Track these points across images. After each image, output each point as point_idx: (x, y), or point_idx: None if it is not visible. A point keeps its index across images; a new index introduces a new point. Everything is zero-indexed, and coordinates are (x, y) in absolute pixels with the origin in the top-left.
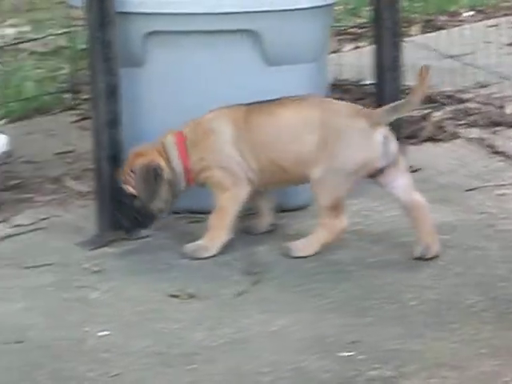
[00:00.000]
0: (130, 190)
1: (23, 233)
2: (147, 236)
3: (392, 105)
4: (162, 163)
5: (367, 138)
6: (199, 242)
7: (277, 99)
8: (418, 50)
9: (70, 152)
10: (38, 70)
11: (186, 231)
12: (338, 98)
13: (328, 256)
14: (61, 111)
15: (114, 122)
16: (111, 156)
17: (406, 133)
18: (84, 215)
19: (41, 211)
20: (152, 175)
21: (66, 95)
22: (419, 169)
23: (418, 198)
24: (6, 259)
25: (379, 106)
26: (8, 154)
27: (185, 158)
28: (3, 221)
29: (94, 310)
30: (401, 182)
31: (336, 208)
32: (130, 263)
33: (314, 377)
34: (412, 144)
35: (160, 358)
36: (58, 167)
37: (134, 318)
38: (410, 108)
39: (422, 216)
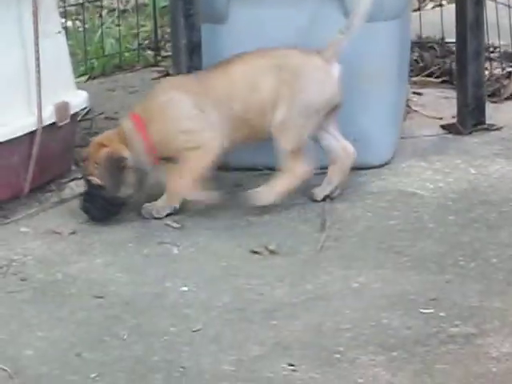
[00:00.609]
0: (97, 180)
1: None
2: (228, 192)
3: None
4: (125, 151)
5: (325, 74)
6: (156, 202)
7: (224, 60)
8: (499, 8)
9: None
10: (119, 28)
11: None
12: (419, 56)
13: (409, 213)
14: (142, 68)
15: None
16: None
17: (488, 91)
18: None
19: None
20: (115, 165)
21: (147, 52)
22: (501, 127)
23: (347, 143)
24: (83, 215)
25: (461, 65)
26: (88, 111)
27: (146, 137)
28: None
29: (176, 266)
30: (336, 126)
31: (299, 151)
32: (210, 219)
33: (395, 333)
34: (494, 102)
35: (241, 313)
36: None
37: (216, 274)
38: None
39: (347, 161)
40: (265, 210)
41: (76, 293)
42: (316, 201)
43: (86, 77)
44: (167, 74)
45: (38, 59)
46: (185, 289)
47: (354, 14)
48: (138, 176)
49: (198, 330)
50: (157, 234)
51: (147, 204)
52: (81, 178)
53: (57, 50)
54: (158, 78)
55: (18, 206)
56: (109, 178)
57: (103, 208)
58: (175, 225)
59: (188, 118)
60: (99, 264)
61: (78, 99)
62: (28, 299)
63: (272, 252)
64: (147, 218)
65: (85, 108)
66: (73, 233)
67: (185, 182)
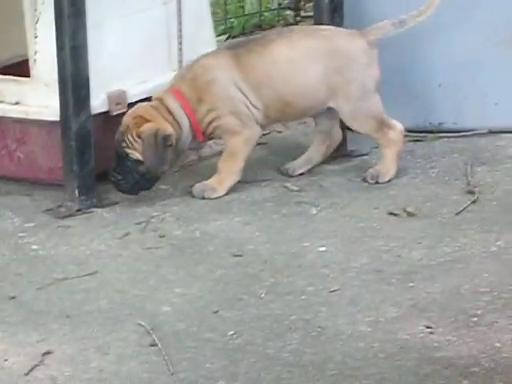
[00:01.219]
0: (136, 155)
1: None
2: (365, 154)
3: (383, 23)
4: (171, 129)
5: (370, 57)
6: (207, 182)
7: (258, 37)
8: None
9: None
10: None
11: (406, 149)
12: None
13: None
14: (281, 28)
15: None
16: None
17: None
18: (303, 132)
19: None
20: (162, 144)
21: (288, 12)
22: None
23: (339, 129)
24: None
25: None
26: None
27: (192, 115)
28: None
29: (314, 226)
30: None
31: (382, 123)
32: (349, 181)
33: None
34: None
35: (378, 275)
36: None
37: (354, 235)
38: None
39: (332, 146)
40: (402, 172)
41: (214, 251)
42: (290, 176)
43: (226, 36)
44: None
45: (179, 16)
46: (322, 249)
47: (411, 16)
48: (176, 153)
49: (336, 291)
50: (295, 193)
51: (198, 184)
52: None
53: (198, 8)
54: None
55: None
56: (152, 155)
57: (137, 183)
58: (294, 187)
59: (235, 99)
60: (237, 222)
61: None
62: (166, 256)
63: (410, 214)
64: (197, 197)
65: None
66: None
67: (231, 170)
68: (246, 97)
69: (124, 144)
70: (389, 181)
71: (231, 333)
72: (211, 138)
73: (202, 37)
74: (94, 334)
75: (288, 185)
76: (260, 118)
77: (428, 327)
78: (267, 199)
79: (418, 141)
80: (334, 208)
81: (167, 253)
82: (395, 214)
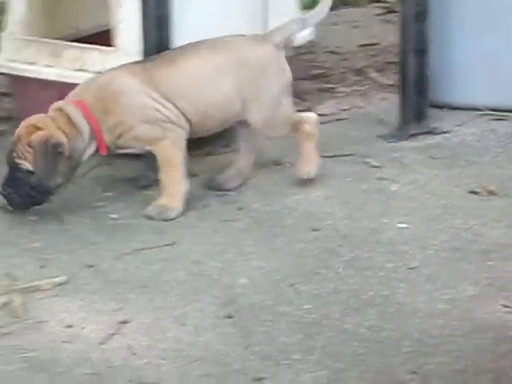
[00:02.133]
0: (27, 165)
1: (324, 122)
2: (447, 131)
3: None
4: (63, 138)
5: (280, 61)
6: (160, 203)
7: (166, 52)
8: None
9: (374, 44)
10: None
11: (488, 128)
12: None
13: None
14: (366, 4)
15: (421, 15)
16: (417, 49)
17: None
18: (385, 108)
19: (343, 102)
20: (52, 152)
21: None
22: None
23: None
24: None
25: None
26: (313, 44)
27: (96, 125)
28: (306, 110)
29: (394, 202)
30: None
31: (297, 123)
32: (430, 158)
33: None
34: None
35: (457, 253)
36: (361, 59)
37: (434, 213)
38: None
39: (256, 155)
40: (483, 150)
41: (292, 224)
42: (220, 190)
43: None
44: (391, 11)
45: None
46: (402, 226)
47: (312, 14)
48: (71, 166)
49: (414, 268)
50: (375, 169)
51: (151, 207)
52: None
53: None
54: (382, 14)
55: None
56: (42, 165)
57: (27, 195)
58: (375, 163)
59: (146, 107)
60: (317, 197)
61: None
62: (244, 228)
63: (491, 193)
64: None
65: (309, 41)
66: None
67: (175, 178)
68: (160, 103)
69: (15, 154)
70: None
71: (307, 307)
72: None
73: (287, 9)
74: (171, 304)
75: (369, 160)
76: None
77: (505, 306)
78: (347, 174)
79: (500, 119)
80: (415, 185)
81: (245, 225)
82: (476, 193)
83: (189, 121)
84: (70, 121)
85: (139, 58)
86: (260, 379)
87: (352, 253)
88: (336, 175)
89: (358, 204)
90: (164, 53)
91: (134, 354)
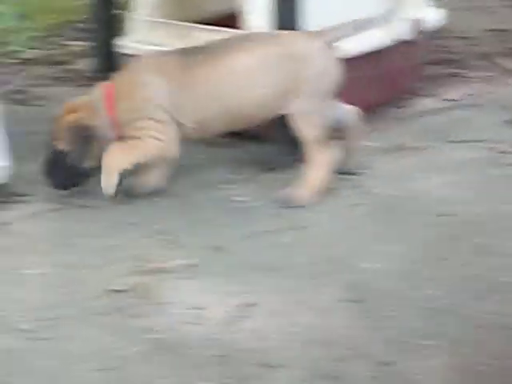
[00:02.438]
0: (61, 146)
1: (452, 108)
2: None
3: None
4: (93, 121)
5: (328, 59)
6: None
7: (213, 45)
8: None
9: (503, 30)
10: None
11: None
12: None
13: None
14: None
15: None
16: None
17: None
18: None
19: (471, 87)
20: (80, 134)
21: None
22: None
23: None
24: (435, 132)
25: None
26: (444, 29)
27: (112, 112)
28: (433, 95)
29: None
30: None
31: (324, 136)
32: None
33: None
34: None
35: None
36: (491, 44)
37: None
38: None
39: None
40: None
41: (419, 209)
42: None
43: None
44: None
45: None
46: None
47: (368, 21)
48: (103, 148)
49: None
50: (504, 155)
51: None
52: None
53: None
54: None
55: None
56: (74, 146)
57: (64, 176)
58: (502, 148)
59: (159, 107)
60: (443, 182)
61: (431, 16)
62: (370, 213)
63: None
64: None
65: (440, 26)
66: (422, 148)
67: (123, 157)
68: (178, 109)
69: (53, 135)
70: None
71: (433, 292)
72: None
73: None
74: (298, 287)
75: (496, 146)
76: (196, 130)
77: None
78: (475, 159)
79: None
80: None
81: (371, 210)
82: None
83: (209, 127)
84: (93, 104)
85: None
86: (388, 363)
87: (479, 238)
88: (462, 161)
89: (485, 189)
90: (213, 44)
91: (261, 336)
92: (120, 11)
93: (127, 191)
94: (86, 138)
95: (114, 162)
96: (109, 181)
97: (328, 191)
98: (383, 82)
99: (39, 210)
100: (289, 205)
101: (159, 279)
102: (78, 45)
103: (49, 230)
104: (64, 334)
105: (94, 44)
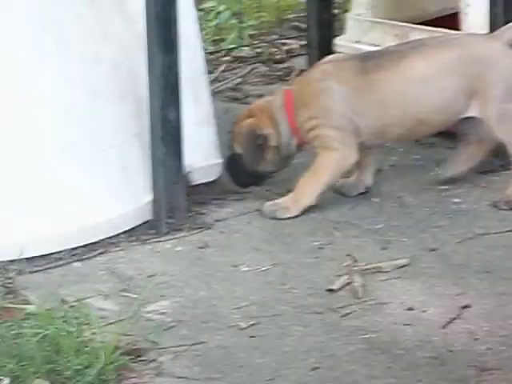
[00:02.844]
0: (238, 148)
1: None
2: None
3: None
4: (268, 129)
5: (509, 58)
6: (280, 201)
7: (391, 49)
8: None
9: None
10: None
11: None
12: None
13: None
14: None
15: None
16: None
17: None
18: None
19: None
20: (254, 142)
21: None
22: None
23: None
24: None
25: None
26: None
27: (292, 119)
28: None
29: None
30: None
31: None
32: None
33: None
34: None
35: None
36: None
37: None
38: None
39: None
40: None
41: None
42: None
43: None
44: None
45: None
46: None
47: None
48: (281, 154)
49: None
50: None
51: (269, 203)
52: None
53: None
54: None
55: None
56: (246, 151)
57: (242, 176)
58: None
59: (339, 114)
60: None
61: None
62: None
63: None
64: (267, 217)
65: None
66: None
67: (312, 188)
68: (359, 116)
69: (232, 136)
70: None
71: None
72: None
73: None
74: None
75: None
76: (374, 137)
77: None
78: None
79: None
80: None
81: None
82: None
83: (388, 134)
84: (272, 112)
85: None
86: None
87: None
88: None
89: None
90: (388, 49)
91: (476, 339)
92: (338, 10)
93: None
94: (258, 145)
95: (304, 199)
96: (301, 204)
97: None
98: None
99: (251, 207)
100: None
101: (373, 279)
102: (294, 43)
103: (262, 228)
104: (279, 332)
105: (310, 43)
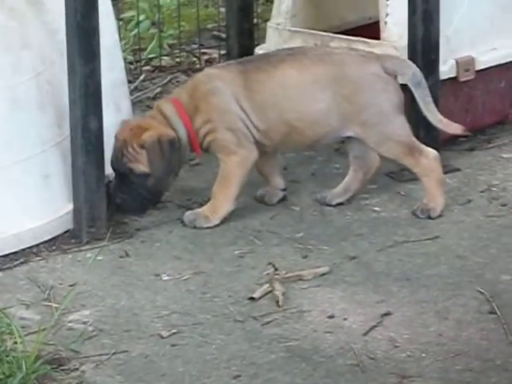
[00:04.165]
0: (141, 168)
1: None
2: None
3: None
4: (172, 132)
5: (386, 81)
6: (200, 211)
7: (271, 54)
8: None
9: None
10: None
11: None
12: None
13: None
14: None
15: None
16: None
17: None
18: None
19: None
20: (168, 149)
21: None
22: None
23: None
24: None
25: None
26: None
27: (189, 125)
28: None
29: None
30: None
31: (412, 147)
32: None
33: None
34: None
35: None
36: None
37: None
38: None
39: (371, 171)
40: None
41: None
42: (328, 205)
43: None
44: None
45: None
46: None
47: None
48: (179, 164)
49: None
50: None
51: (190, 212)
52: None
53: None
54: None
55: (501, 131)
56: (159, 164)
57: (145, 199)
58: None
59: (235, 115)
60: None
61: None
62: (507, 224)
63: None
64: (188, 226)
65: None
66: None
67: (225, 196)
68: (247, 115)
69: (125, 159)
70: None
71: None
72: (207, 152)
73: None
74: (434, 298)
75: None
76: (261, 139)
77: None
78: None
79: None
80: None
81: (509, 222)
82: None
83: (270, 138)
84: (167, 119)
85: (405, 52)
86: None
87: None
88: None
89: None
90: (268, 54)
91: (396, 346)
92: (259, 20)
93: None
94: (172, 152)
95: (221, 208)
96: (220, 213)
97: (467, 202)
98: None
99: (172, 216)
100: (430, 216)
101: (294, 287)
102: (214, 53)
103: (183, 237)
104: (201, 340)
105: (230, 52)
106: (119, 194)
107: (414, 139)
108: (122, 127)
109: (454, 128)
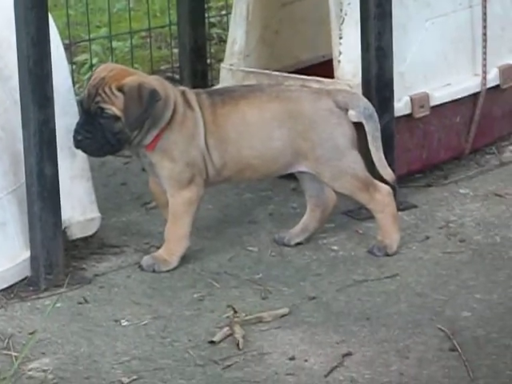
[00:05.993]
0: (113, 110)
1: None
2: None
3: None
4: (157, 86)
5: (340, 116)
6: (157, 255)
7: (234, 88)
8: None
9: None
10: None
11: None
12: None
13: None
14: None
15: None
16: None
17: None
18: None
19: None
20: (148, 99)
21: None
22: None
23: (331, 192)
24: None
25: None
26: None
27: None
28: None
29: None
30: None
31: (366, 182)
32: None
33: None
34: None
35: None
36: None
37: None
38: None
39: (328, 210)
40: None
41: None
42: (286, 245)
43: None
44: None
45: (485, 21)
46: None
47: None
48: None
49: None
50: None
51: (147, 256)
52: None
53: (503, 11)
54: None
55: (458, 167)
56: (134, 111)
57: (107, 143)
58: None
59: (197, 148)
60: None
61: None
62: (466, 261)
63: None
64: (147, 271)
65: None
66: None
67: (178, 236)
68: (209, 151)
69: (99, 98)
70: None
71: None
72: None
73: (507, 41)
74: (394, 337)
75: None
76: (213, 176)
77: None
78: None
79: None
80: None
81: (467, 258)
82: None
83: (222, 174)
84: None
85: (359, 90)
86: None
87: None
88: None
89: None
90: (232, 88)
91: None
92: (212, 60)
93: None
94: (152, 103)
95: (176, 248)
96: (177, 254)
97: (425, 239)
98: (475, 129)
99: (130, 261)
100: (389, 252)
101: (254, 329)
102: None
103: (142, 282)
104: None
105: None
106: (82, 132)
107: (368, 174)
108: (104, 67)
109: (385, 173)
